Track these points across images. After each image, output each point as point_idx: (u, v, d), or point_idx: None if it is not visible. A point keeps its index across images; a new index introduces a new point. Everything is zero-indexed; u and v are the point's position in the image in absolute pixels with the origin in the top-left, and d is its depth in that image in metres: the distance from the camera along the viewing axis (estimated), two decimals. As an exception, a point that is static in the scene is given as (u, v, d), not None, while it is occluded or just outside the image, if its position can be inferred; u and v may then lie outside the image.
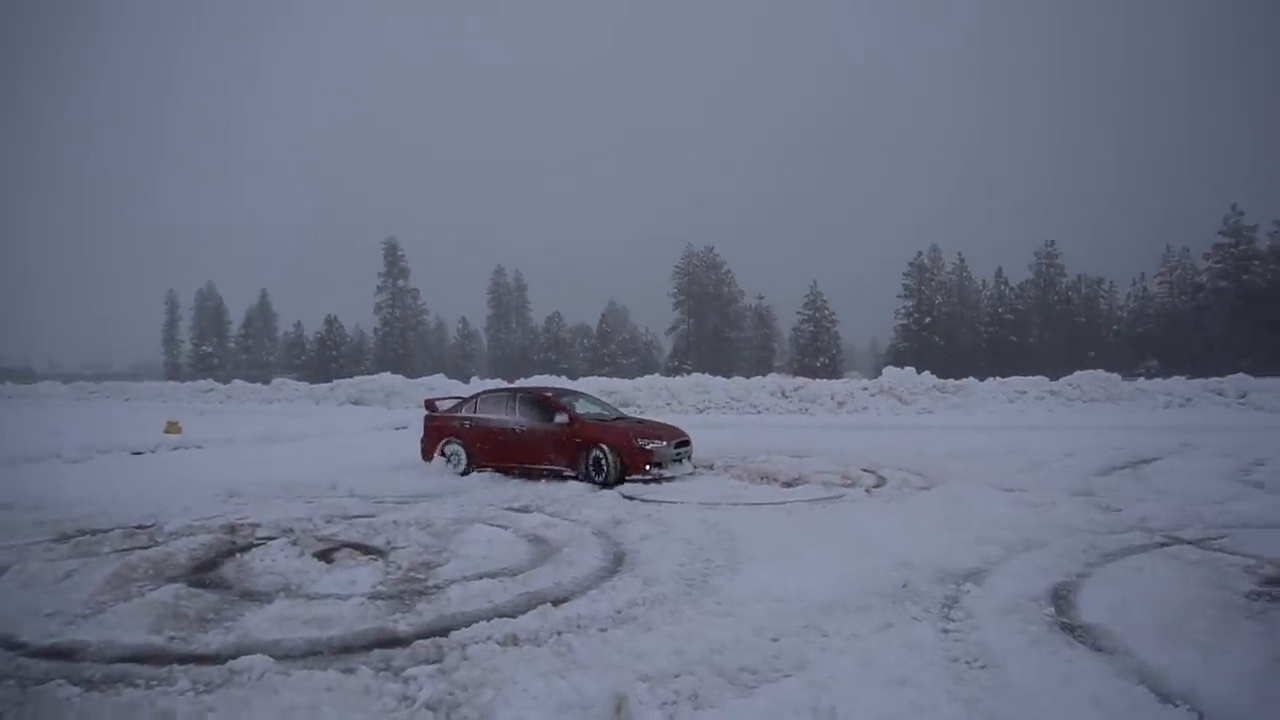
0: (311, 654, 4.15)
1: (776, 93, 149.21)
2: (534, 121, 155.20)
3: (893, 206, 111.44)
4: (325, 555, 6.35)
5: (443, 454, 11.51)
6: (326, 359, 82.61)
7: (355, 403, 31.99)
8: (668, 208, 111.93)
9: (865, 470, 11.14)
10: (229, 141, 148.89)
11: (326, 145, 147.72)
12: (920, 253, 76.07)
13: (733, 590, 5.18)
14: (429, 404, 12.47)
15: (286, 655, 4.09)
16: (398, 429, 20.61)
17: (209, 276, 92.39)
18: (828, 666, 3.79)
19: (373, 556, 6.33)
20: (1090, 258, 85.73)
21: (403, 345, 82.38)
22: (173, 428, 17.20)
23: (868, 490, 9.48)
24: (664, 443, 10.66)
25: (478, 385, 32.03)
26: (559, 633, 4.35)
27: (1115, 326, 72.51)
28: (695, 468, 11.24)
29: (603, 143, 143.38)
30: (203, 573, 5.87)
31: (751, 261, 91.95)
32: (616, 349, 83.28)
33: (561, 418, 10.82)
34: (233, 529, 7.35)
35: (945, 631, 4.32)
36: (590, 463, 10.36)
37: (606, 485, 10.07)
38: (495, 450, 11.19)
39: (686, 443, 11.19)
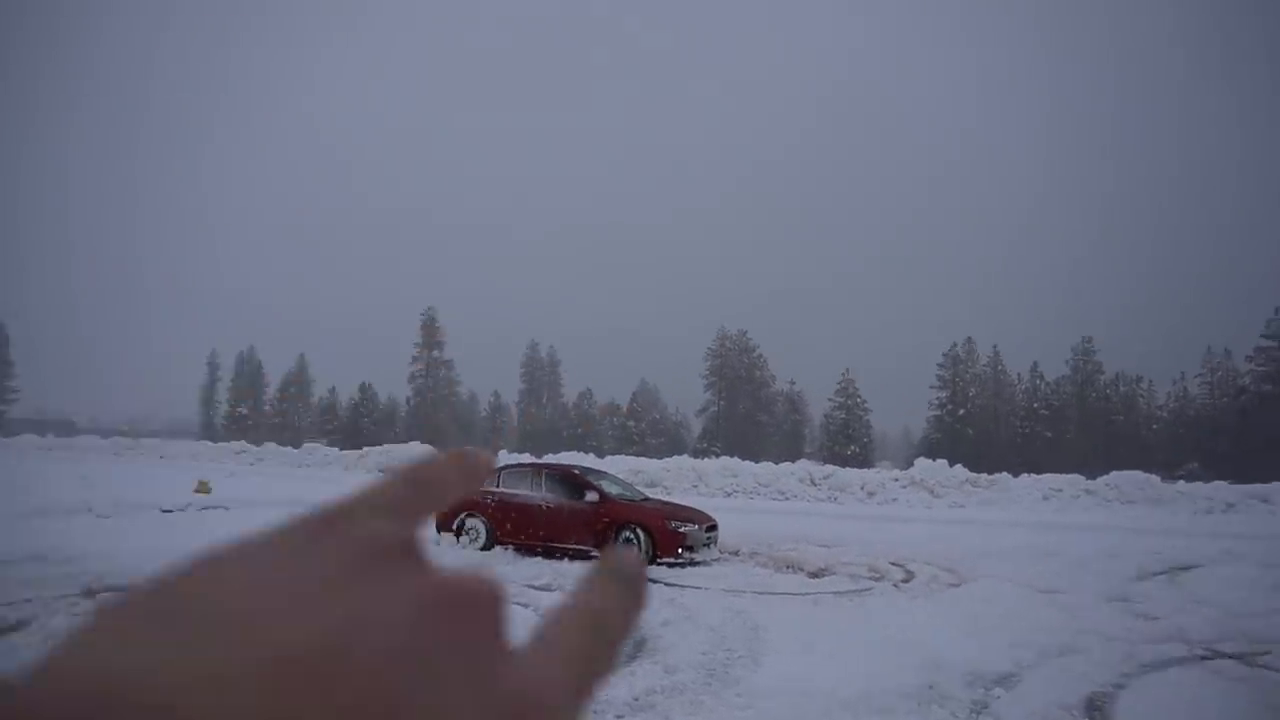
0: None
1: (814, 178, 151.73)
2: (571, 199, 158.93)
3: (928, 297, 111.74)
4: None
5: (460, 528, 11.43)
6: (358, 426, 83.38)
7: (383, 471, 32.10)
8: (701, 289, 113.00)
9: (894, 564, 10.91)
10: (276, 205, 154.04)
11: (374, 216, 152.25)
12: (955, 344, 75.89)
13: (754, 682, 5.08)
14: None
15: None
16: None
17: (251, 340, 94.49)
18: (850, 769, 3.68)
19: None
20: (1129, 357, 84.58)
21: (434, 416, 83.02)
22: (203, 487, 17.39)
23: (896, 585, 9.30)
24: (696, 526, 10.61)
25: (504, 459, 32.08)
26: None
27: (1154, 426, 71.16)
28: (722, 553, 11.10)
29: (639, 220, 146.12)
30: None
31: (784, 347, 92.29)
32: (646, 428, 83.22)
33: (591, 496, 10.85)
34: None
35: (973, 738, 4.18)
36: (620, 543, 10.12)
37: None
38: (518, 526, 11.10)
39: (715, 527, 11.08)
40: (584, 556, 10.47)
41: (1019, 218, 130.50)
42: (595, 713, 4.37)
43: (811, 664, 5.46)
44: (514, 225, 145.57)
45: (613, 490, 11.42)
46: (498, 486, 11.52)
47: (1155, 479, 23.76)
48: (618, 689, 4.85)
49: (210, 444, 45.20)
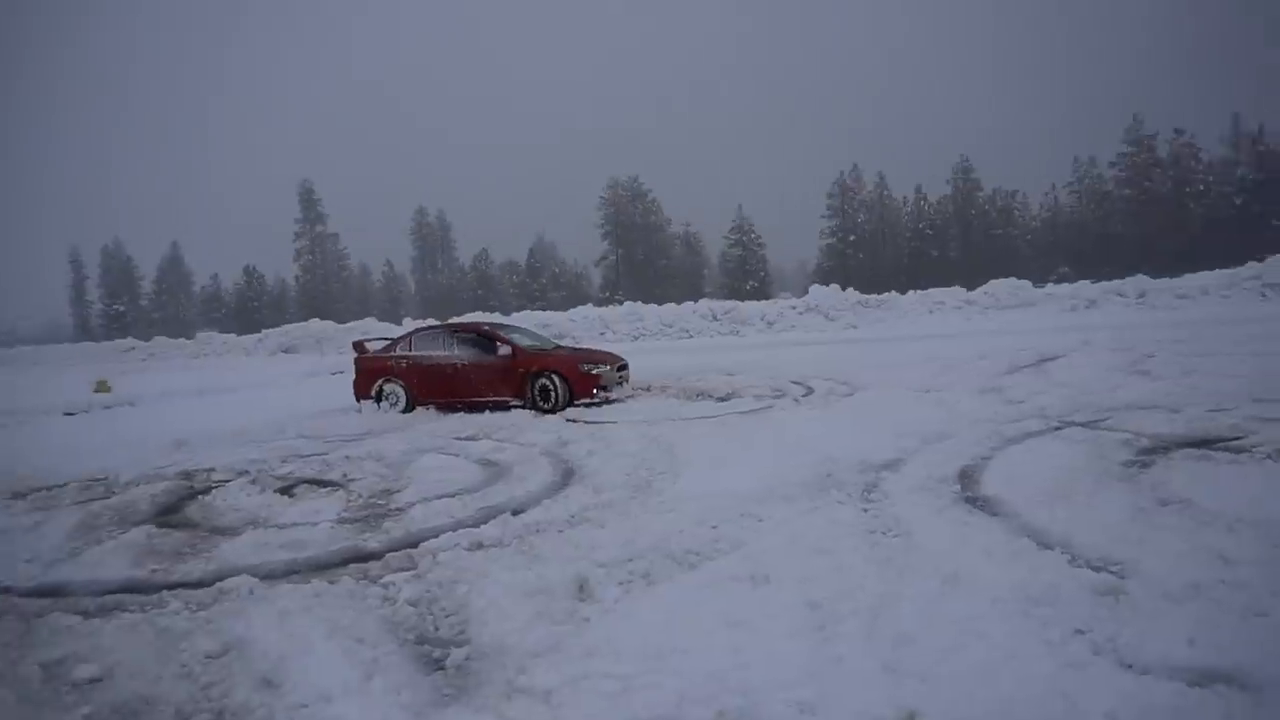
0: (292, 572, 4.48)
1: (695, 14, 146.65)
2: (449, 56, 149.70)
3: (814, 130, 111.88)
4: (286, 491, 6.62)
5: (379, 393, 11.70)
6: (248, 310, 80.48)
7: (286, 351, 31.57)
8: (589, 138, 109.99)
9: (794, 383, 11.77)
10: (121, 85, 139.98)
11: (229, 92, 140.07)
12: (842, 173, 77.28)
13: (675, 491, 5.67)
14: (358, 345, 12.63)
15: (269, 575, 4.40)
16: (334, 374, 20.62)
17: (114, 232, 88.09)
18: (761, 544, 4.30)
19: (332, 489, 6.63)
20: (1005, 172, 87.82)
21: (326, 292, 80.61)
22: (102, 386, 16.93)
23: (796, 400, 10.10)
24: (608, 366, 11.22)
25: (409, 326, 31.85)
26: (520, 536, 4.78)
27: (1029, 236, 75.07)
28: (634, 390, 11.80)
29: (517, 70, 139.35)
30: (168, 515, 6.08)
31: (677, 190, 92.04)
32: (547, 283, 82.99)
33: (505, 350, 11.20)
34: (189, 475, 7.54)
35: (864, 511, 4.88)
36: (537, 391, 10.79)
37: (553, 411, 10.52)
38: (437, 386, 11.47)
39: (625, 366, 11.81)
40: (504, 407, 11.00)
41: (895, 43, 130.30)
42: (537, 532, 4.88)
43: (723, 472, 6.10)
44: (386, 88, 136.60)
45: (524, 342, 11.76)
46: (411, 350, 11.86)
47: (1027, 284, 25.56)
48: (555, 510, 5.38)
49: (93, 344, 43.10)
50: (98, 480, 7.54)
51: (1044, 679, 2.68)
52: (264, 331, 35.76)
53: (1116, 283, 24.95)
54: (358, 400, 11.88)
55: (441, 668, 3.16)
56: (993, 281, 26.15)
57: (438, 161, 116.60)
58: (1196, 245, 56.02)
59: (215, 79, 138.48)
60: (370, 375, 11.88)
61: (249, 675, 3.18)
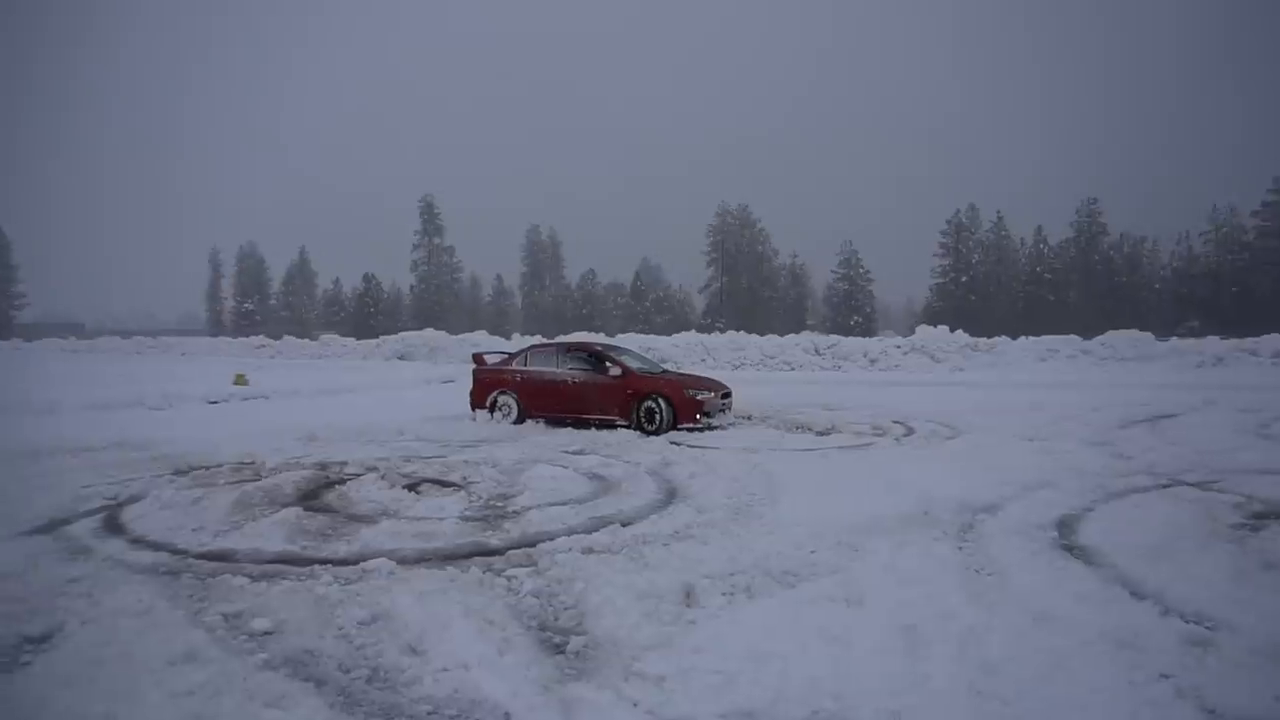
0: (424, 560, 4.97)
1: (813, 47, 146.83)
2: (566, 86, 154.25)
3: (932, 165, 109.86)
4: (412, 488, 7.20)
5: (494, 404, 12.34)
6: (365, 316, 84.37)
7: (401, 358, 33.12)
8: (702, 165, 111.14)
9: (895, 422, 11.82)
10: (270, 99, 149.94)
11: (366, 104, 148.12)
12: (958, 211, 75.63)
13: (774, 516, 5.94)
14: (478, 358, 13.26)
15: (404, 560, 4.90)
16: (445, 382, 21.62)
17: (250, 235, 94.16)
18: (857, 571, 4.54)
19: (453, 489, 7.17)
20: (1135, 217, 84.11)
21: (439, 302, 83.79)
22: (240, 380, 18.32)
23: (897, 439, 10.19)
24: (712, 394, 11.53)
25: (519, 341, 32.93)
26: (628, 545, 5.15)
27: (1157, 285, 71.58)
28: (736, 418, 12.10)
29: (636, 104, 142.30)
30: (310, 500, 6.73)
31: (786, 220, 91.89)
32: (650, 306, 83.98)
33: (615, 370, 11.71)
34: (324, 466, 8.24)
35: (960, 549, 5.05)
36: (643, 412, 11.22)
37: (657, 433, 10.94)
38: (547, 401, 12.02)
39: (729, 394, 12.07)
40: (610, 425, 11.45)
41: (1025, 79, 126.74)
42: (645, 543, 5.23)
43: (823, 502, 6.33)
44: (511, 110, 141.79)
45: (633, 364, 12.18)
46: (526, 365, 12.50)
47: (1149, 336, 24.57)
48: (660, 525, 5.73)
49: (229, 339, 46.19)
50: (246, 464, 8.33)
51: (1123, 714, 2.86)
52: (381, 337, 37.62)
53: (1250, 340, 23.71)
54: (473, 409, 12.55)
55: (562, 651, 3.55)
56: (1111, 332, 25.24)
57: (554, 179, 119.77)
58: (1344, 305, 52.34)
59: (353, 96, 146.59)
60: (487, 386, 12.55)
61: (396, 641, 3.64)
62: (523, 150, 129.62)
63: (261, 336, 44.11)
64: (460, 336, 35.00)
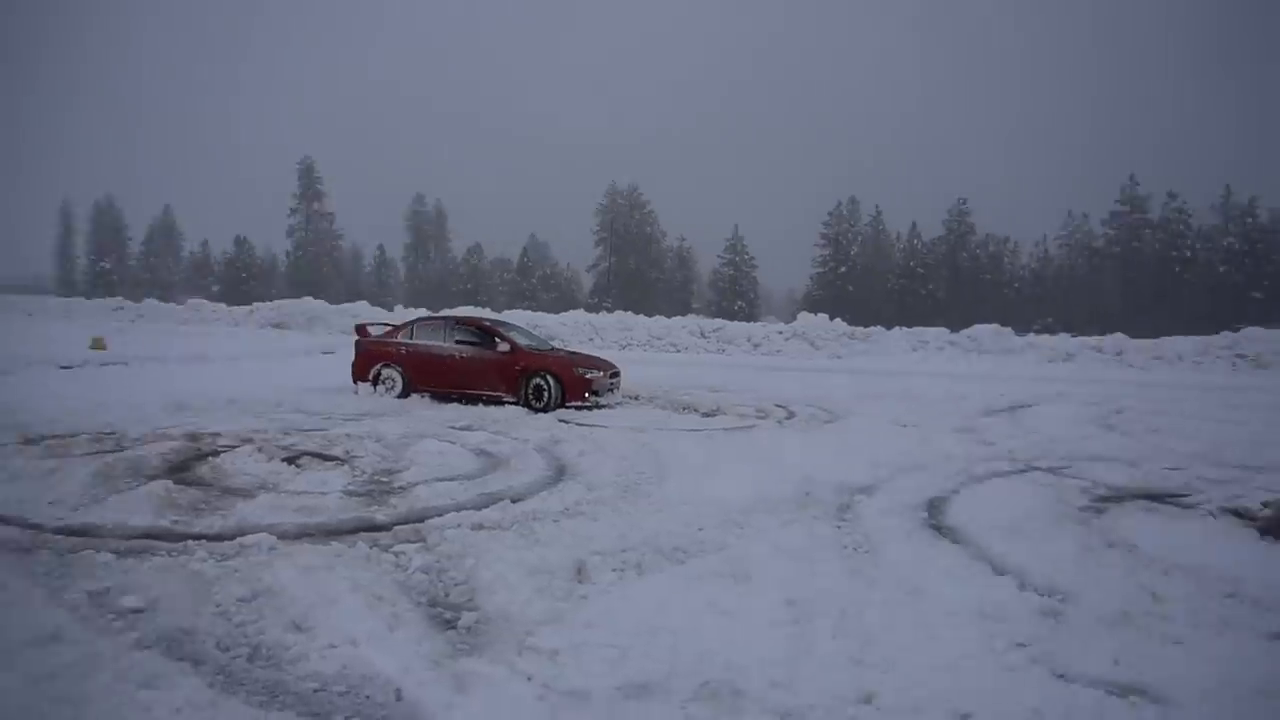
0: (307, 535, 4.81)
1: (708, 26, 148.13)
2: (458, 44, 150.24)
3: (815, 157, 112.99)
4: (291, 461, 6.94)
5: (377, 377, 12.06)
6: (236, 281, 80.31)
7: (276, 326, 31.70)
8: (592, 140, 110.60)
9: (777, 405, 12.19)
10: (136, 41, 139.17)
11: (245, 57, 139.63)
12: (840, 203, 78.22)
13: (662, 495, 6.05)
14: (361, 329, 12.88)
15: (285, 535, 4.73)
16: (325, 353, 20.87)
17: (107, 188, 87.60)
18: (743, 548, 4.70)
19: (336, 463, 6.96)
20: (999, 218, 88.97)
21: (317, 270, 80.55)
22: (98, 344, 17.15)
23: (779, 422, 10.53)
24: (601, 373, 11.65)
25: (401, 314, 32.09)
26: (519, 522, 5.14)
27: (1016, 284, 76.23)
28: (623, 398, 12.24)
29: (526, 77, 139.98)
30: (180, 473, 6.38)
31: (674, 203, 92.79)
32: (538, 283, 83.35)
33: (504, 346, 11.63)
34: (195, 437, 7.83)
35: (838, 527, 5.29)
36: (531, 389, 11.15)
37: (545, 410, 10.90)
38: (434, 375, 11.84)
39: (617, 374, 12.26)
40: (497, 401, 11.38)
41: (902, 79, 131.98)
42: (535, 519, 5.24)
43: (709, 482, 6.48)
44: (401, 81, 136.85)
45: (521, 340, 12.13)
46: (412, 338, 12.23)
47: (1009, 331, 26.13)
48: (550, 502, 5.75)
49: (84, 300, 42.97)
50: (107, 434, 7.82)
51: (986, 678, 3.09)
52: (254, 304, 35.87)
53: (1095, 338, 25.56)
54: (355, 381, 12.18)
55: (454, 627, 3.53)
56: (977, 326, 26.72)
57: (437, 148, 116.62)
58: (1178, 309, 57.26)
59: (220, 46, 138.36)
60: (370, 358, 12.19)
61: (280, 618, 3.53)
62: (410, 120, 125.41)
63: (119, 298, 41.29)
64: (340, 306, 33.75)
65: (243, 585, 3.86)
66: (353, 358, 12.47)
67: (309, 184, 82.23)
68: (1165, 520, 5.71)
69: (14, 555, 4.27)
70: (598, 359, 12.64)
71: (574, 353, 13.50)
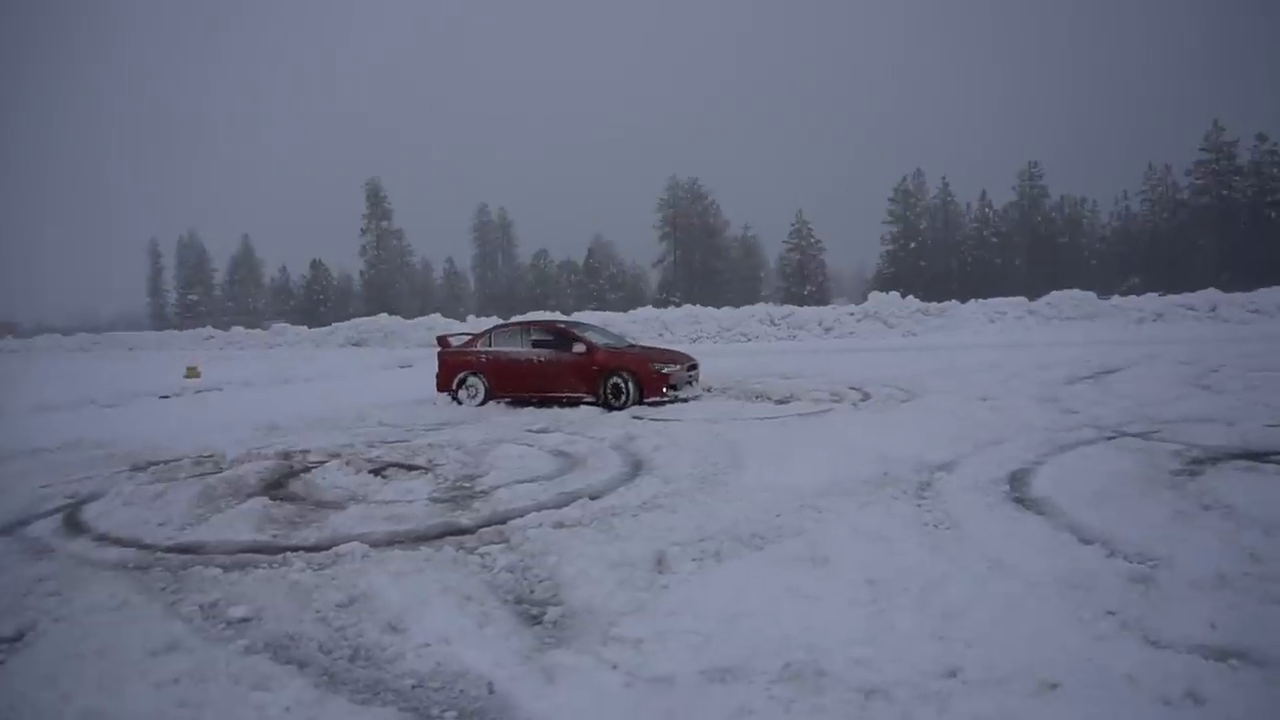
0: (396, 542, 5.02)
1: (758, 17, 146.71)
2: (509, 63, 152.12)
3: (877, 133, 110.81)
4: (378, 472, 7.21)
5: (461, 386, 12.28)
6: (314, 303, 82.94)
7: (355, 344, 32.73)
8: (651, 141, 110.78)
9: (852, 388, 12.06)
10: (202, 84, 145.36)
11: (304, 88, 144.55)
12: (905, 178, 76.49)
13: (739, 484, 6.09)
14: (442, 340, 13.12)
15: (376, 543, 4.94)
16: (403, 367, 21.47)
17: (189, 224, 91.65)
18: (822, 531, 4.70)
19: (420, 472, 7.20)
20: (1074, 178, 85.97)
21: (390, 287, 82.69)
22: (192, 373, 18.00)
23: (854, 404, 10.42)
24: (678, 366, 11.66)
25: (474, 323, 32.74)
26: (598, 518, 5.25)
27: (1098, 245, 73.38)
28: (702, 390, 12.27)
29: (578, 80, 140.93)
30: (276, 489, 6.70)
31: (737, 192, 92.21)
32: (605, 283, 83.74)
33: (579, 347, 11.67)
34: (287, 455, 8.18)
35: (918, 505, 5.24)
36: (609, 388, 11.22)
37: (622, 408, 10.96)
38: (514, 380, 12.01)
39: (695, 367, 12.23)
40: (574, 403, 11.49)
41: (961, 45, 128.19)
42: (614, 515, 5.34)
43: (785, 468, 6.48)
44: (451, 93, 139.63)
45: (598, 340, 12.27)
46: (491, 346, 12.44)
47: (1091, 295, 25.25)
48: (628, 497, 5.84)
49: (176, 332, 45.11)
50: (206, 457, 8.24)
51: (1074, 647, 3.04)
52: (334, 325, 37.08)
53: (1187, 295, 24.54)
54: (440, 392, 12.49)
55: (540, 622, 3.65)
56: (1055, 292, 25.90)
57: (499, 160, 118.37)
58: (1276, 258, 54.23)
59: (287, 77, 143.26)
60: (453, 368, 12.46)
61: (376, 621, 3.70)
62: (469, 131, 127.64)
63: (209, 328, 43.21)
64: (414, 320, 34.65)
65: (340, 592, 4.05)
66: (436, 369, 12.75)
67: (376, 203, 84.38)
68: (1265, 479, 5.48)
69: (132, 574, 4.57)
70: (674, 353, 12.69)
71: (650, 348, 13.65)
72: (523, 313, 36.06)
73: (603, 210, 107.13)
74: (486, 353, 12.35)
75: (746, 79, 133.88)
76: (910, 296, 28.47)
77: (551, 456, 7.70)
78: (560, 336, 12.12)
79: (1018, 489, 5.55)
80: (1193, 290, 25.19)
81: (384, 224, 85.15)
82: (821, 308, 31.13)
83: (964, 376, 12.78)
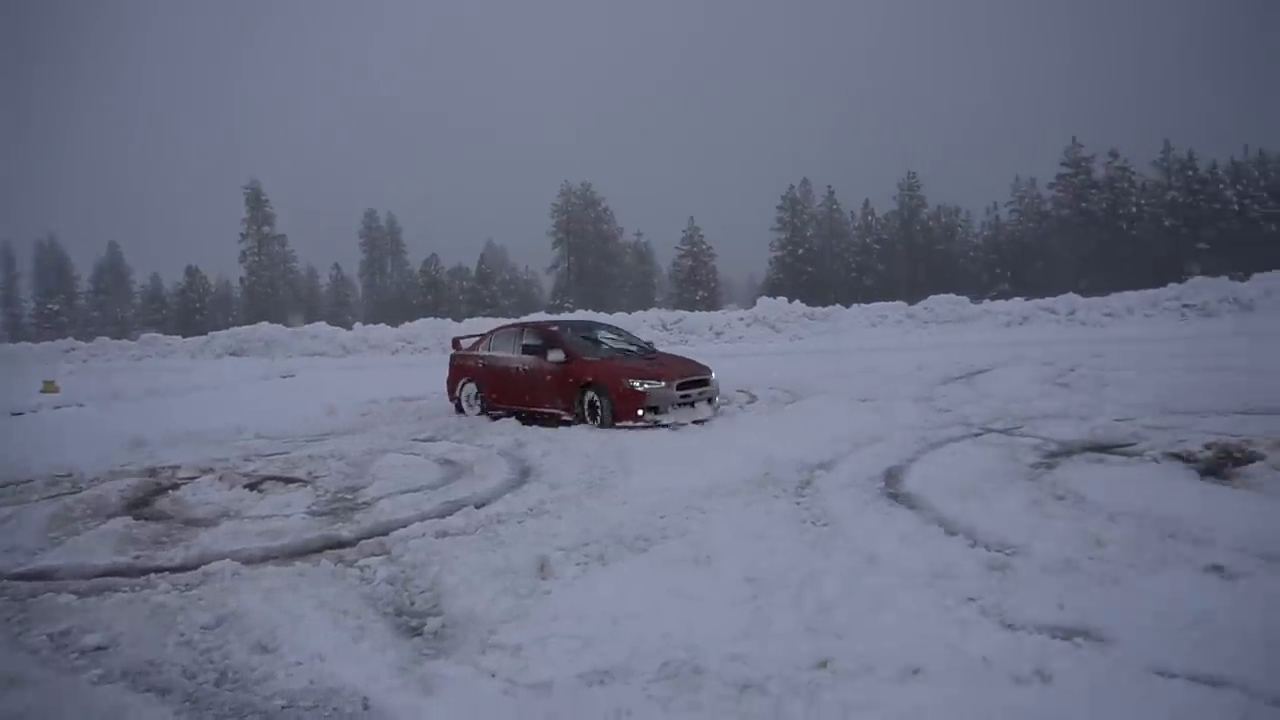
0: (270, 558, 4.82)
1: (647, 23, 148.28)
2: (398, 58, 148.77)
3: (766, 142, 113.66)
4: (253, 487, 6.92)
5: (461, 394, 11.11)
6: (190, 311, 78.97)
7: (234, 354, 31.28)
8: (541, 145, 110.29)
9: (739, 390, 12.31)
10: (66, 81, 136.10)
11: (176, 90, 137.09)
12: (793, 187, 78.69)
13: (627, 487, 6.13)
14: (455, 343, 11.95)
15: (249, 560, 4.73)
16: (285, 377, 20.67)
17: (49, 228, 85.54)
18: (705, 532, 4.79)
19: (299, 484, 6.95)
20: (949, 189, 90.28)
21: (273, 295, 79.45)
22: (50, 387, 16.79)
23: (741, 406, 10.65)
24: (662, 384, 9.23)
25: (360, 332, 31.89)
26: (483, 526, 5.19)
27: (970, 253, 77.31)
28: (713, 410, 9.80)
29: (465, 76, 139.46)
30: (140, 508, 6.33)
31: (629, 199, 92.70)
32: (497, 290, 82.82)
33: (556, 355, 9.87)
34: (154, 471, 7.76)
35: (798, 503, 5.40)
36: (586, 405, 9.43)
37: (603, 427, 9.14)
38: (505, 391, 10.56)
39: (704, 382, 9.78)
40: (557, 420, 9.79)
41: (844, 59, 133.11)
42: (499, 522, 5.28)
43: (672, 471, 6.56)
44: (337, 100, 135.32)
45: (581, 346, 10.40)
46: (489, 350, 11.08)
47: (965, 300, 26.58)
48: (514, 504, 5.79)
49: (31, 344, 42.01)
50: (62, 476, 7.71)
51: (937, 634, 3.20)
52: (210, 334, 35.32)
53: (1049, 300, 26.09)
54: (450, 400, 11.35)
55: (420, 633, 3.58)
56: (932, 297, 27.15)
57: (389, 165, 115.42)
58: (1127, 265, 58.47)
59: (156, 75, 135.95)
60: (457, 375, 11.28)
61: (245, 642, 3.54)
62: (353, 138, 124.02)
63: (70, 339, 40.40)
64: (298, 329, 33.39)
65: (206, 613, 3.86)
66: (448, 374, 11.54)
67: (257, 207, 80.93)
68: (1111, 470, 5.91)
69: (-28, 605, 4.23)
70: (669, 364, 10.02)
71: (654, 355, 10.70)
72: (413, 320, 35.13)
73: (496, 217, 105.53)
74: (484, 358, 11.00)
75: (637, 89, 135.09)
76: (797, 301, 29.30)
77: (438, 465, 7.56)
78: (544, 339, 10.32)
79: (891, 485, 5.79)
80: (1054, 295, 26.84)
81: (265, 229, 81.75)
82: (712, 313, 31.69)
83: (846, 378, 13.23)
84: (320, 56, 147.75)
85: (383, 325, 34.71)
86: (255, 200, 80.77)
